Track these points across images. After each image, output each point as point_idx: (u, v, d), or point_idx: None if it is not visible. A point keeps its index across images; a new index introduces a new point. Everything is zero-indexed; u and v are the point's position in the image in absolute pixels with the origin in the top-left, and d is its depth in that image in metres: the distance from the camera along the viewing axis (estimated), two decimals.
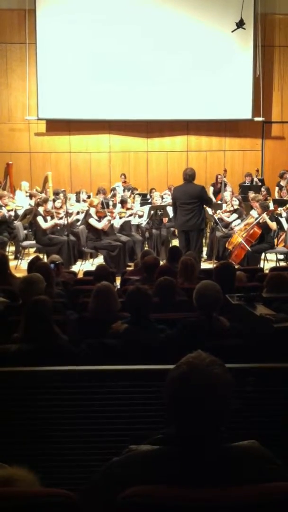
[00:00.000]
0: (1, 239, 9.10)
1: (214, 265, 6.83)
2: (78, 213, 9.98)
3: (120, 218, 9.49)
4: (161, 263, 5.66)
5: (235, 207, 9.79)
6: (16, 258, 9.42)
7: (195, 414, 1.35)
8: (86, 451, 2.28)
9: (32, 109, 13.61)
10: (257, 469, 1.38)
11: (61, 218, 9.08)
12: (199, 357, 1.41)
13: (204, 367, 1.38)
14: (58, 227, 9.02)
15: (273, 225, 8.47)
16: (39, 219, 8.81)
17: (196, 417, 1.35)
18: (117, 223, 9.38)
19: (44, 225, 8.80)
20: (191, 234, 7.60)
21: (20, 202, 10.56)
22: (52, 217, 9.04)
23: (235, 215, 9.64)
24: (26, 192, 11.16)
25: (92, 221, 8.73)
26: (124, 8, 13.15)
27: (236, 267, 5.74)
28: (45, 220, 8.93)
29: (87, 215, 9.00)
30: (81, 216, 9.86)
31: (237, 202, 9.90)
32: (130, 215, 9.90)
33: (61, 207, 9.45)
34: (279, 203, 10.20)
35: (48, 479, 1.45)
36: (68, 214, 9.03)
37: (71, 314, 3.97)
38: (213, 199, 11.64)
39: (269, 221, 8.34)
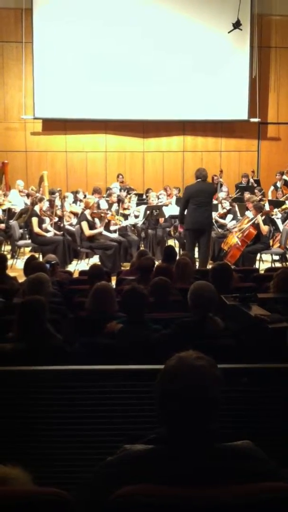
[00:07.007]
0: None
1: (211, 266, 6.82)
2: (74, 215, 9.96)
3: (116, 225, 9.43)
4: (156, 263, 5.65)
5: (227, 208, 9.84)
6: (12, 257, 9.40)
7: (183, 406, 1.37)
8: (80, 451, 2.27)
9: (28, 108, 13.59)
10: (250, 469, 1.39)
11: (56, 222, 9.10)
12: (187, 353, 1.46)
13: (190, 361, 1.42)
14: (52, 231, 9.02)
15: (264, 228, 8.31)
16: (34, 220, 8.77)
17: (184, 409, 1.37)
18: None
19: (36, 229, 8.76)
20: (202, 235, 7.50)
21: (15, 201, 10.53)
22: (50, 218, 9.06)
23: (230, 216, 9.67)
24: (20, 191, 11.13)
25: (84, 226, 8.63)
26: (121, 9, 13.14)
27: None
28: (42, 221, 8.91)
29: (82, 216, 8.96)
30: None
31: (228, 204, 9.95)
32: (126, 217, 9.87)
33: (56, 206, 9.44)
34: (275, 204, 10.22)
35: (42, 478, 1.45)
36: (63, 215, 9.00)
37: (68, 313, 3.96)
38: None
39: (261, 224, 8.25)
